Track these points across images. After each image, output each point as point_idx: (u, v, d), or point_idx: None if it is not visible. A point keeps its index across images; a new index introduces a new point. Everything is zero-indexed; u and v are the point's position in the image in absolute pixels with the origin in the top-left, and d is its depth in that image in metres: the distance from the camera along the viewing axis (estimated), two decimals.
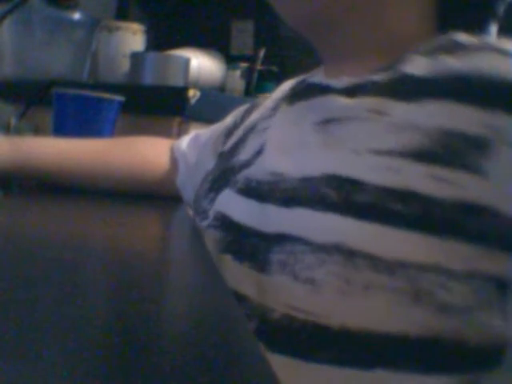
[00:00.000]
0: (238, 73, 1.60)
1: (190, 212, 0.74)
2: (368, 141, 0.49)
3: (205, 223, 0.58)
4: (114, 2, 1.79)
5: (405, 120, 0.48)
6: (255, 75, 1.63)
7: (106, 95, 0.99)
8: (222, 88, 1.59)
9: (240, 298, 0.48)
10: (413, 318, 0.44)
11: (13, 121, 1.10)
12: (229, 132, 0.76)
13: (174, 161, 0.83)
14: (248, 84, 1.63)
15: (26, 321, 0.25)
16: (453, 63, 0.49)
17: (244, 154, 0.60)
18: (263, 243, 0.49)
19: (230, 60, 1.64)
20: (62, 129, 0.98)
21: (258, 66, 1.63)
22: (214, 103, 1.20)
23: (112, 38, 1.42)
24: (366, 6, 0.55)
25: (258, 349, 0.25)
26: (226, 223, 0.54)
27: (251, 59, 1.64)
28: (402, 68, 0.52)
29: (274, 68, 1.68)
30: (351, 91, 0.54)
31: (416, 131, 0.47)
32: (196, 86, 1.27)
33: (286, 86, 0.69)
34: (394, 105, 0.49)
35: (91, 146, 0.83)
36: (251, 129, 0.64)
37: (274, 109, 0.63)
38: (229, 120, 0.80)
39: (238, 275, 0.49)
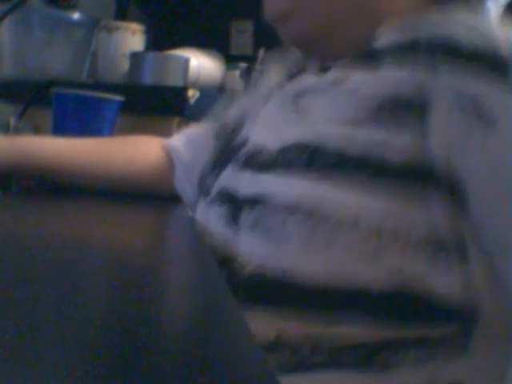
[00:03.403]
0: (237, 73, 1.60)
1: (189, 212, 0.74)
2: (327, 111, 0.53)
3: (208, 199, 0.61)
4: (113, 2, 1.79)
5: (358, 88, 0.52)
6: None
7: (106, 95, 0.98)
8: (221, 88, 1.59)
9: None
10: (381, 265, 0.47)
11: (12, 121, 1.09)
12: (219, 130, 0.78)
13: (169, 160, 0.83)
14: (247, 84, 1.63)
15: (26, 321, 0.25)
16: (410, 33, 0.53)
17: (242, 136, 0.64)
18: (240, 204, 0.53)
19: (230, 60, 1.64)
20: (61, 129, 0.98)
21: (258, 66, 1.63)
22: (213, 103, 1.20)
23: (111, 38, 1.42)
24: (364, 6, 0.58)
25: (258, 349, 0.25)
26: (227, 197, 0.57)
27: (251, 59, 1.64)
28: (373, 43, 0.55)
29: None
30: (323, 69, 0.58)
31: (365, 100, 0.51)
32: (195, 85, 1.27)
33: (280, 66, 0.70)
34: (352, 74, 0.54)
35: (90, 145, 0.83)
36: (247, 114, 0.67)
37: (269, 95, 0.66)
38: (217, 120, 0.82)
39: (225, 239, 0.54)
